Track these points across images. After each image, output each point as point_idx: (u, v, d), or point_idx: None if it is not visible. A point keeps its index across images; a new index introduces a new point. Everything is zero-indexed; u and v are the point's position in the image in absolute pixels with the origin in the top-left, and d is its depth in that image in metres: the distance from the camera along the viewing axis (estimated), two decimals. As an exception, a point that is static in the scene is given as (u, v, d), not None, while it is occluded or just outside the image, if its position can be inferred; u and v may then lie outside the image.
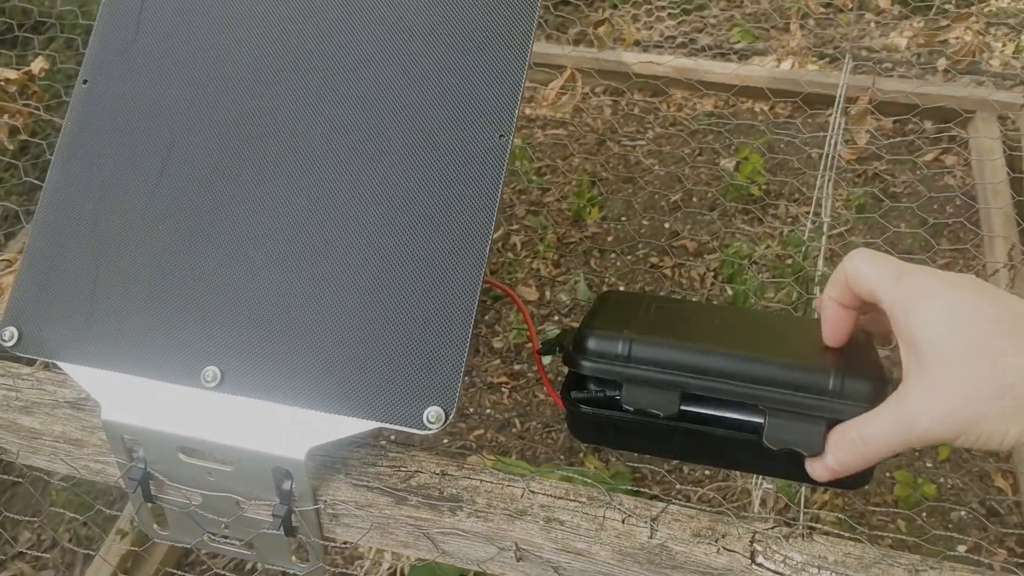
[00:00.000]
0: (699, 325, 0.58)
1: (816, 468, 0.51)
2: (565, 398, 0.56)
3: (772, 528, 0.55)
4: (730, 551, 0.54)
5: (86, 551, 1.71)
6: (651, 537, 0.55)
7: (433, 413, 0.54)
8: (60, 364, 0.58)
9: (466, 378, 2.00)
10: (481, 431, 1.92)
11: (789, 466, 0.53)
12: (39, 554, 1.73)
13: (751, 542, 0.54)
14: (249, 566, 1.69)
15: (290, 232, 0.58)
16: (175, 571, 1.66)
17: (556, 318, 2.04)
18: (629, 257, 2.14)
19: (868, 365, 0.53)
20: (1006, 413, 0.44)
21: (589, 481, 0.58)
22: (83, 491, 1.73)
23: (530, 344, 2.01)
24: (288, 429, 0.55)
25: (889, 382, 0.52)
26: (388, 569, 1.54)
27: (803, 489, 1.40)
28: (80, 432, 0.61)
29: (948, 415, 0.45)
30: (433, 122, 0.58)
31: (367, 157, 0.58)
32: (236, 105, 0.60)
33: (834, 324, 0.54)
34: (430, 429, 0.54)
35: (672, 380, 0.53)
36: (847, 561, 0.53)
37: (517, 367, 1.99)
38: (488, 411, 1.93)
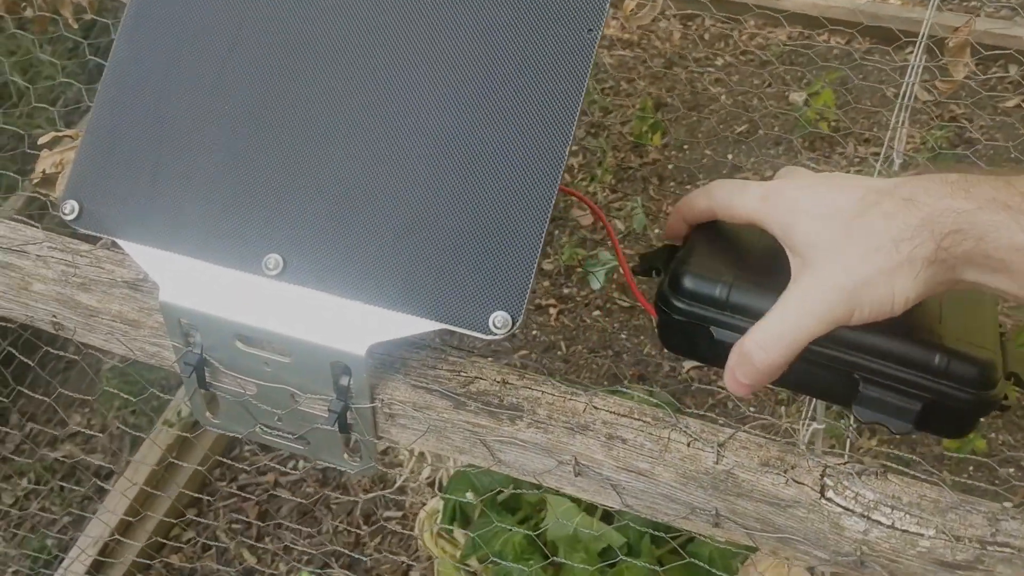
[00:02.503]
0: None
1: (732, 385, 0.51)
2: (663, 301, 0.54)
3: (844, 464, 0.53)
4: (799, 483, 0.52)
5: (135, 435, 1.74)
6: (717, 463, 0.52)
7: (500, 318, 0.52)
8: (119, 242, 0.57)
9: (514, 298, 1.98)
10: (525, 352, 1.91)
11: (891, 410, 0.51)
12: (92, 433, 1.77)
13: (821, 476, 0.52)
14: (291, 464, 1.71)
15: (363, 121, 0.55)
16: (222, 458, 1.69)
17: (610, 244, 2.01)
18: (688, 187, 2.09)
19: (982, 348, 0.50)
20: (887, 271, 0.46)
21: (654, 401, 0.56)
22: (132, 380, 1.76)
23: (580, 268, 1.99)
24: (349, 324, 0.53)
25: (998, 369, 0.49)
26: (427, 478, 1.55)
27: (850, 432, 1.37)
28: (137, 313, 0.60)
29: (834, 289, 0.47)
30: (518, 10, 0.54)
31: (446, 45, 0.55)
32: (311, -17, 0.57)
33: (675, 232, 0.58)
34: (495, 334, 0.52)
35: None
36: (922, 504, 0.51)
37: (566, 290, 1.97)
38: (534, 332, 1.92)
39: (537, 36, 0.54)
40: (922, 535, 0.49)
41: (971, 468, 1.62)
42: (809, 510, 0.51)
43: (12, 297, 0.61)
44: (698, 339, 0.54)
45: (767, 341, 0.49)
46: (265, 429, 0.60)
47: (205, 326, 0.56)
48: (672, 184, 2.11)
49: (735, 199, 0.53)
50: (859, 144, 2.16)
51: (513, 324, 0.52)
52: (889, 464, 0.53)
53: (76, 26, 1.02)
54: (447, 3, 0.55)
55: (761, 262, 0.53)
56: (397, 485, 1.58)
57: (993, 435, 1.68)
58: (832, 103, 2.15)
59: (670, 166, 2.15)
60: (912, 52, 1.83)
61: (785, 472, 0.52)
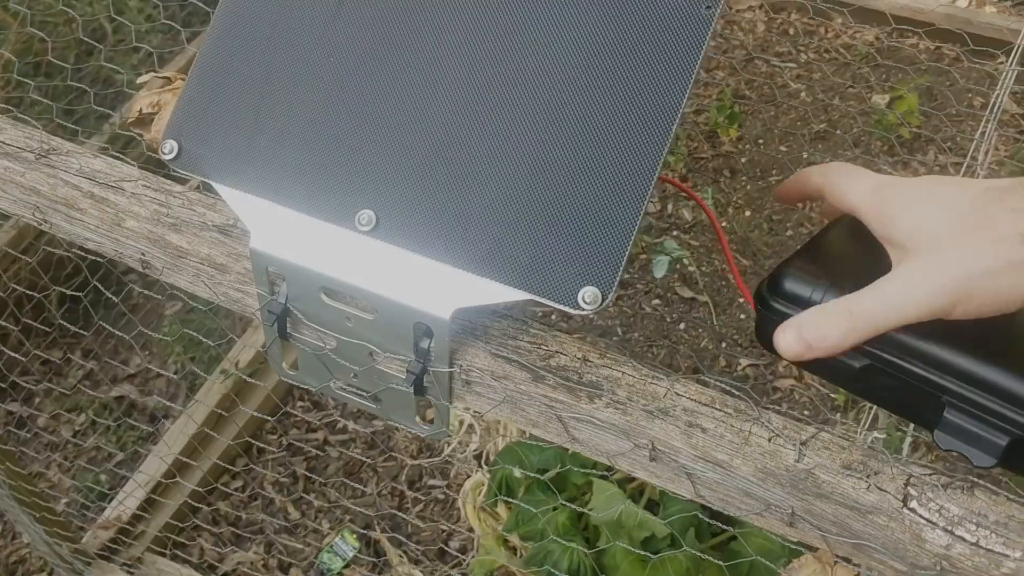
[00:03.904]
0: None
1: (787, 335, 0.48)
2: (759, 299, 0.53)
3: (931, 475, 0.51)
4: (881, 490, 0.50)
5: (193, 381, 1.77)
6: (798, 461, 0.51)
7: (590, 293, 0.51)
8: (215, 185, 0.57)
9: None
10: (581, 335, 1.90)
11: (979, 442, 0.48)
12: (153, 375, 1.81)
13: (905, 484, 0.51)
14: (341, 424, 1.73)
15: (465, 83, 0.54)
16: (275, 413, 1.71)
17: (675, 233, 1.98)
18: (760, 183, 2.06)
19: None
20: (1012, 264, 0.43)
21: (737, 394, 0.55)
22: (194, 327, 1.79)
23: (643, 255, 1.97)
24: (436, 287, 0.53)
25: None
26: (474, 450, 1.56)
27: (907, 442, 1.34)
28: (225, 258, 0.60)
29: (940, 275, 0.45)
30: (636, -17, 0.53)
31: (557, 16, 0.54)
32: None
33: (785, 196, 0.58)
34: (584, 310, 0.51)
35: None
36: (1010, 524, 0.49)
37: (627, 276, 1.95)
38: (592, 316, 1.91)
39: (655, 7, 0.52)
40: (1008, 556, 0.48)
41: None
42: (890, 518, 0.50)
43: (105, 232, 0.62)
44: None
45: (856, 309, 0.46)
46: (340, 384, 0.60)
47: (292, 276, 0.56)
48: (744, 178, 2.08)
49: (847, 183, 0.52)
50: (940, 152, 2.10)
51: (603, 300, 0.51)
52: (977, 480, 0.51)
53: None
54: (562, -30, 0.54)
55: (867, 273, 0.52)
56: (444, 455, 1.59)
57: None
58: (915, 108, 2.09)
59: (743, 159, 2.11)
60: (1004, 62, 1.77)
61: (868, 477, 0.51)
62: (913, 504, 0.50)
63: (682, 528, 1.29)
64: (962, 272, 0.44)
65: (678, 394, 0.54)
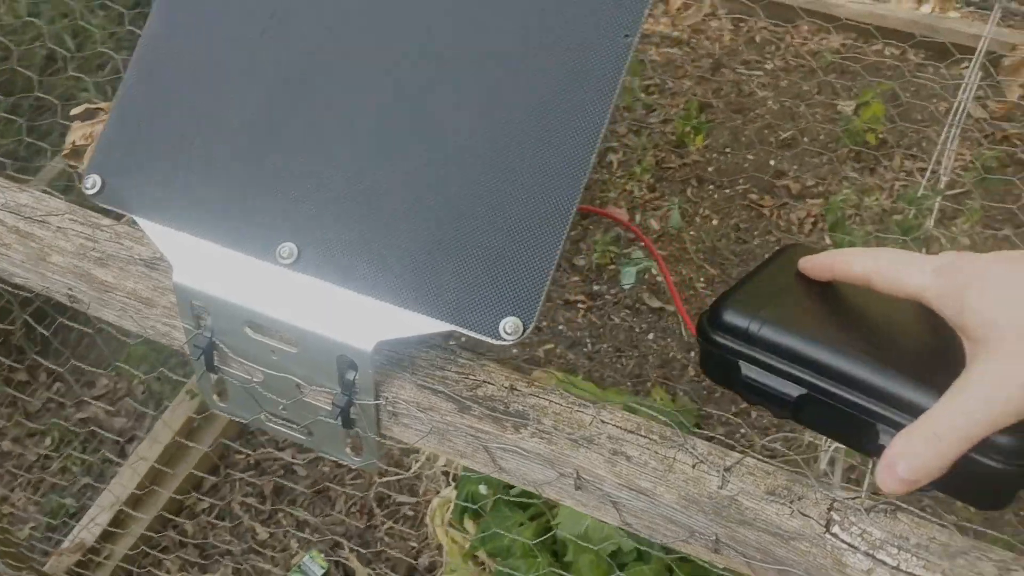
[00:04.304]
0: (853, 316, 0.52)
1: (887, 479, 0.45)
2: (700, 332, 0.53)
3: (854, 499, 0.51)
4: (805, 515, 0.50)
5: (159, 402, 1.76)
6: (721, 487, 0.51)
7: (511, 324, 0.51)
8: (137, 219, 0.56)
9: (543, 291, 1.97)
10: (551, 346, 1.90)
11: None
12: (118, 397, 1.79)
13: (828, 509, 0.51)
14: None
15: (388, 116, 0.54)
16: (241, 432, 1.70)
17: (643, 244, 1.99)
18: (728, 191, 2.06)
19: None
20: None
21: (661, 418, 0.55)
22: (160, 347, 1.77)
23: (612, 266, 1.97)
24: (358, 319, 0.53)
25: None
26: (442, 466, 1.55)
27: (838, 464, 1.34)
28: (151, 292, 0.60)
29: (1020, 378, 0.41)
30: (555, 11, 0.53)
31: (478, 43, 0.54)
32: (345, -30, 0.56)
33: (815, 275, 0.53)
34: (505, 340, 0.51)
35: (789, 372, 0.50)
36: (931, 546, 0.49)
37: (596, 287, 1.95)
38: (561, 327, 1.91)
39: (571, 40, 0.52)
40: (928, 579, 0.48)
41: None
42: (812, 544, 0.50)
43: (30, 267, 0.61)
44: (728, 372, 0.52)
45: (942, 434, 0.43)
46: (270, 417, 0.60)
47: (216, 310, 0.56)
48: (711, 187, 2.09)
49: (903, 270, 0.48)
50: (906, 158, 2.11)
51: (524, 331, 0.51)
52: (899, 504, 0.51)
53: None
54: (480, 6, 0.54)
55: (808, 302, 0.52)
56: (412, 472, 1.58)
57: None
58: (881, 115, 2.10)
59: (710, 168, 2.12)
60: (967, 68, 1.79)
61: (791, 503, 0.51)
62: (836, 529, 0.50)
63: (649, 541, 1.29)
64: None
65: (604, 421, 0.54)
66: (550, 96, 0.52)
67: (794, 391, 0.50)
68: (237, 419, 0.62)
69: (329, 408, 0.55)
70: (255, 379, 0.58)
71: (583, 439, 0.53)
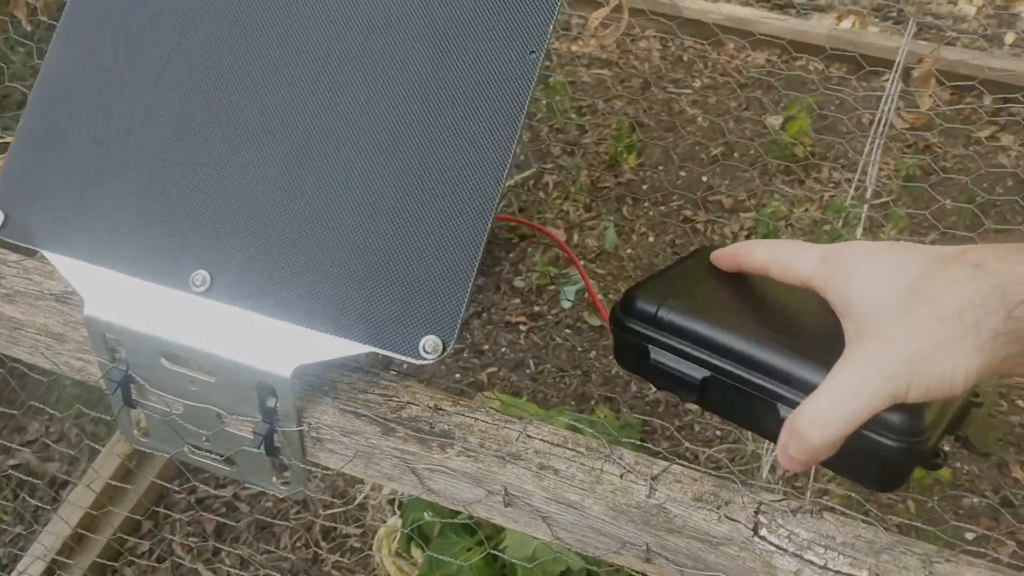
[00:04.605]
0: (755, 303, 0.54)
1: (783, 460, 0.47)
2: (614, 321, 0.54)
3: (780, 501, 0.52)
4: (732, 520, 0.50)
5: (92, 446, 1.71)
6: (649, 496, 0.51)
7: (430, 343, 0.51)
8: (45, 253, 0.55)
9: (483, 315, 1.97)
10: (494, 369, 1.89)
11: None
12: (50, 442, 1.74)
13: (755, 513, 0.51)
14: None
15: (296, 139, 0.54)
16: (181, 471, 1.66)
17: (582, 263, 2.00)
18: (662, 208, 2.09)
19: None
20: (948, 343, 0.42)
21: (591, 431, 0.55)
22: (92, 388, 1.73)
23: (551, 287, 1.98)
24: (276, 344, 0.52)
25: (924, 421, 0.47)
26: (387, 495, 1.53)
27: (766, 465, 1.36)
28: (62, 327, 0.58)
29: (891, 362, 0.43)
30: (460, 31, 0.53)
31: (385, 65, 0.54)
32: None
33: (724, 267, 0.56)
34: (425, 359, 0.51)
35: (694, 355, 0.51)
36: (856, 544, 0.49)
37: (537, 308, 1.95)
38: (503, 350, 1.90)
39: (479, 58, 0.53)
40: (855, 576, 0.48)
41: (935, 499, 1.61)
42: (741, 548, 0.50)
43: (-65, 307, 0.59)
44: (639, 358, 0.53)
45: (822, 417, 0.44)
46: (193, 449, 0.58)
47: (130, 342, 0.54)
48: (646, 204, 2.11)
49: (793, 258, 0.50)
50: (833, 169, 2.16)
51: (444, 349, 0.51)
52: (853, 494, 0.51)
53: (29, 28, 1.00)
54: (389, 23, 0.54)
55: (715, 292, 0.53)
56: (357, 502, 1.56)
57: (959, 464, 1.68)
58: (808, 128, 2.15)
59: (644, 186, 2.14)
60: (887, 80, 1.84)
61: (718, 508, 0.51)
62: (763, 532, 0.50)
63: (597, 559, 1.28)
64: (906, 355, 0.43)
65: (530, 436, 0.54)
66: (460, 115, 0.52)
67: (699, 373, 0.51)
68: (160, 453, 0.60)
69: (251, 437, 0.54)
70: (175, 411, 0.56)
71: (509, 455, 0.53)
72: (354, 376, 0.56)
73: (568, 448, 0.53)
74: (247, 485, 1.64)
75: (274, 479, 0.58)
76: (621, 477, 0.52)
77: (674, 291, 0.53)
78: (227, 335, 0.52)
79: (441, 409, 0.55)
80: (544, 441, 0.53)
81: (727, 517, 0.51)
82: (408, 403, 0.55)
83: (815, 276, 0.49)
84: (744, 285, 0.55)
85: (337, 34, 0.54)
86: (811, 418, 0.45)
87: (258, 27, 0.55)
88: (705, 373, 0.51)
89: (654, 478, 0.52)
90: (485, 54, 0.52)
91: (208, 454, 0.58)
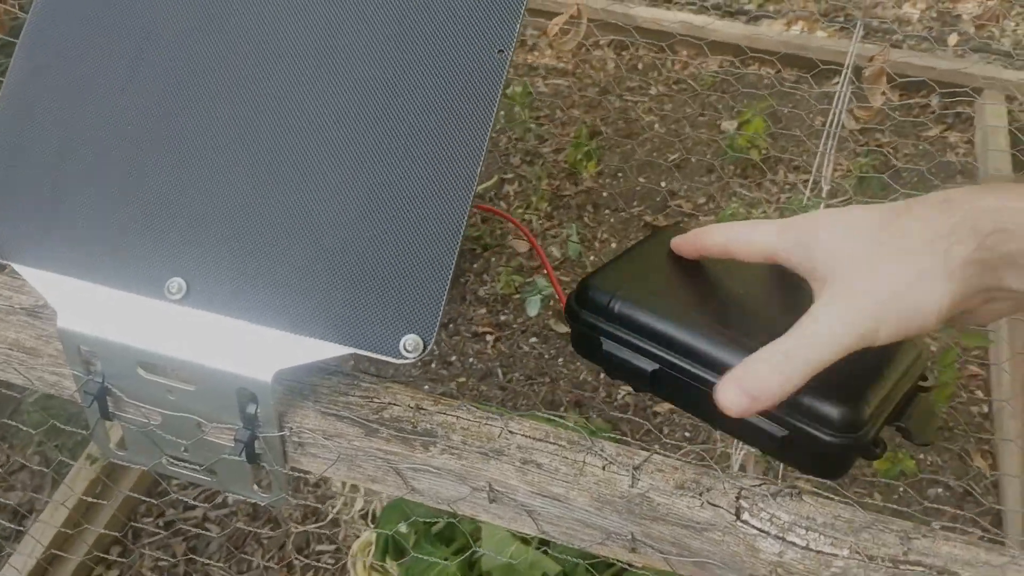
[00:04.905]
0: (707, 293, 0.55)
1: (728, 393, 0.45)
2: (569, 311, 0.54)
3: (760, 485, 0.52)
4: (715, 506, 0.51)
5: (55, 474, 1.68)
6: (632, 486, 0.52)
7: (411, 342, 0.51)
8: (15, 266, 0.54)
9: (450, 326, 1.97)
10: (463, 379, 1.89)
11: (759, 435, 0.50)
12: (12, 470, 1.71)
13: (737, 498, 0.52)
14: (221, 498, 1.67)
15: (269, 142, 0.54)
16: (148, 495, 1.64)
17: (545, 271, 2.01)
18: (623, 214, 2.11)
19: (854, 388, 0.48)
20: (918, 274, 0.42)
21: (570, 426, 0.55)
22: (54, 414, 1.70)
23: (517, 295, 1.98)
24: (255, 350, 0.52)
25: (862, 415, 0.48)
26: (360, 510, 1.52)
27: (738, 457, 1.37)
28: (35, 341, 0.57)
29: (855, 303, 0.43)
30: (428, 31, 0.54)
31: (355, 66, 0.54)
32: (221, 1, 0.56)
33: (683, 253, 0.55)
34: (406, 358, 0.51)
35: (644, 348, 0.52)
36: (836, 524, 0.50)
37: (503, 317, 1.96)
38: (471, 360, 1.90)
39: (447, 57, 0.53)
40: (836, 555, 0.49)
41: (901, 490, 1.64)
42: (724, 533, 0.51)
43: (-99, 326, 0.58)
44: (593, 348, 0.54)
45: (778, 361, 0.44)
46: (172, 461, 0.58)
47: (106, 353, 0.54)
48: (607, 211, 2.13)
49: (753, 234, 0.50)
50: (789, 171, 2.20)
51: (425, 348, 0.51)
52: (819, 490, 0.52)
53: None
54: (359, 24, 0.54)
55: (670, 280, 0.54)
56: (330, 518, 1.55)
57: (923, 455, 1.71)
58: (762, 131, 2.19)
59: (604, 194, 2.16)
60: (837, 82, 1.88)
61: (700, 495, 0.52)
62: (746, 516, 0.51)
63: (574, 564, 1.29)
64: (872, 295, 0.43)
65: (512, 432, 0.54)
66: (432, 113, 0.53)
67: (648, 366, 0.52)
68: (138, 466, 0.60)
69: (232, 445, 0.54)
70: (153, 422, 0.56)
71: (492, 451, 0.53)
72: (334, 379, 0.56)
73: (550, 442, 0.54)
74: (224, 499, 1.62)
75: (255, 487, 0.57)
76: (603, 468, 0.52)
77: (627, 282, 0.54)
78: (205, 342, 0.52)
79: (423, 408, 0.55)
80: (526, 436, 0.54)
81: (709, 503, 0.51)
82: (390, 404, 0.55)
83: (777, 246, 0.49)
84: (701, 272, 0.55)
85: (306, 36, 0.54)
86: (770, 361, 0.44)
87: (225, 30, 0.55)
88: (654, 366, 0.52)
89: (636, 468, 0.52)
90: (455, 53, 0.53)
91: (187, 464, 0.57)
